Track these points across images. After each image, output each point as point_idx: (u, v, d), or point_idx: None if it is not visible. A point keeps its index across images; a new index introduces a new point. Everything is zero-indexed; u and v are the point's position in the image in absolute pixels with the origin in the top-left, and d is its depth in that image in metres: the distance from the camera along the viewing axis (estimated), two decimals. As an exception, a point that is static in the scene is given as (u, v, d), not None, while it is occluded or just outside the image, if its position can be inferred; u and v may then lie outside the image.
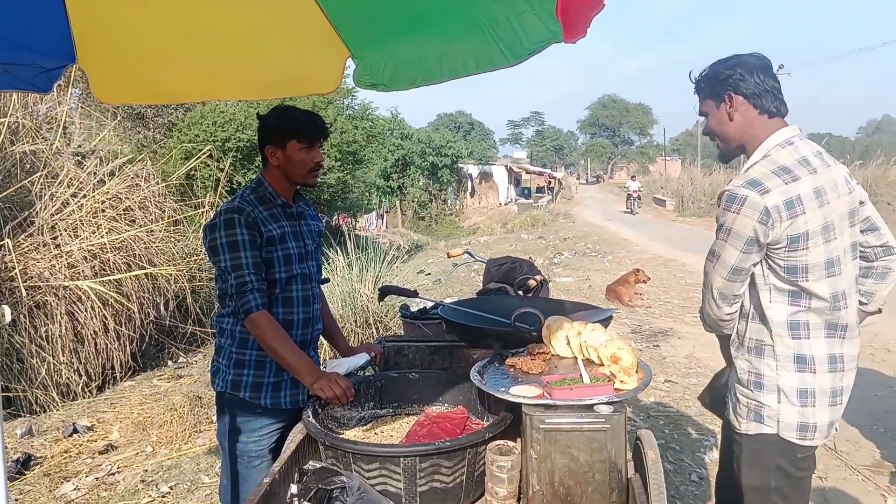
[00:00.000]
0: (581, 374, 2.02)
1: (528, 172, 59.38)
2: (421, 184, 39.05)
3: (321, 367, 2.47)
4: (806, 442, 2.10)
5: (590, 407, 1.84)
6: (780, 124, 2.16)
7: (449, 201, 42.23)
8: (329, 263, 7.40)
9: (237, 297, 2.36)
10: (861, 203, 2.22)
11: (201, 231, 2.52)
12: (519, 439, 1.98)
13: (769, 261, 2.09)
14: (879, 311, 2.37)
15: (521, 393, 1.93)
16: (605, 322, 2.49)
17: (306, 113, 2.55)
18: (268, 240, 2.46)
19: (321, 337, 2.86)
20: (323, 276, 2.96)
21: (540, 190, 56.26)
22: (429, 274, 13.22)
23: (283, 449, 2.11)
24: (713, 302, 2.20)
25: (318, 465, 1.88)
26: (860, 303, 2.29)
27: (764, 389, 2.14)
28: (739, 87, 2.14)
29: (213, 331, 7.70)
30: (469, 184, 45.76)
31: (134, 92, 2.67)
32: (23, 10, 1.96)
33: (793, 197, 2.00)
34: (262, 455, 2.52)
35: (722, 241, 2.11)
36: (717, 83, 2.19)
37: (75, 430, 5.27)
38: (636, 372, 2.06)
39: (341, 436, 2.13)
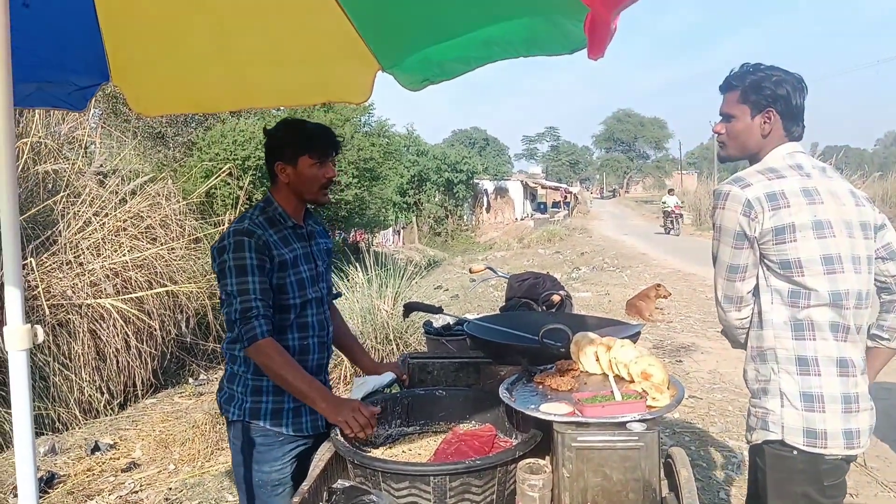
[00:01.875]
0: (612, 391, 1.99)
1: (543, 187, 59.41)
2: (437, 200, 39.18)
3: (347, 385, 2.43)
4: (816, 449, 2.02)
5: (622, 424, 1.81)
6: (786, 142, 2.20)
7: (465, 217, 42.34)
8: (348, 279, 7.42)
9: (241, 322, 2.25)
10: (882, 226, 2.19)
11: (211, 253, 2.42)
12: (548, 457, 1.95)
13: (765, 259, 2.10)
14: None
15: (552, 410, 1.91)
16: (634, 338, 2.46)
17: (317, 126, 2.45)
18: (280, 264, 2.36)
19: (344, 355, 2.83)
20: (335, 292, 2.91)
21: (556, 205, 56.22)
22: (447, 290, 13.22)
23: (312, 468, 2.09)
24: (720, 307, 2.26)
25: (347, 484, 1.86)
26: (881, 337, 2.25)
27: (768, 395, 2.11)
28: (782, 108, 2.15)
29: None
30: (485, 199, 45.87)
31: (171, 103, 2.68)
32: (57, 30, 1.99)
33: (775, 191, 2.06)
34: (285, 482, 2.43)
35: (716, 242, 2.19)
36: (761, 94, 2.16)
37: (98, 448, 5.28)
38: (668, 388, 2.03)
39: (370, 454, 2.11)
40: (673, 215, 28.35)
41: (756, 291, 2.16)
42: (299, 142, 2.38)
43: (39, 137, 7.20)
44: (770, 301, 2.11)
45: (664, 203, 30.05)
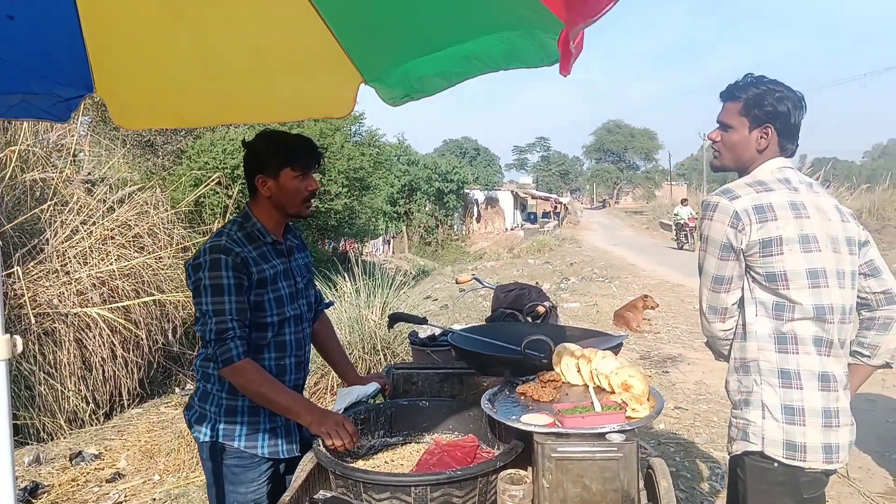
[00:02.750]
0: (592, 402, 2.01)
1: (533, 198, 59.59)
2: (427, 209, 39.19)
3: (334, 396, 2.40)
4: (795, 462, 2.05)
5: (602, 435, 1.83)
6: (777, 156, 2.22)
7: (455, 227, 42.38)
8: (336, 290, 7.41)
9: (216, 343, 2.19)
10: (865, 243, 2.21)
11: (185, 269, 2.32)
12: (530, 468, 1.96)
13: (751, 271, 2.11)
14: (888, 365, 2.28)
15: (532, 421, 1.92)
16: (616, 349, 2.48)
17: (299, 137, 2.39)
18: (259, 282, 2.30)
19: (331, 367, 2.82)
20: (327, 301, 2.90)
21: (546, 215, 56.32)
22: (436, 300, 13.20)
23: (294, 478, 2.10)
24: (704, 317, 2.25)
25: (328, 495, 1.87)
26: (861, 354, 2.26)
27: (750, 406, 2.13)
28: (781, 125, 2.16)
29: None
30: (475, 209, 45.97)
31: (153, 117, 2.67)
32: (41, 41, 1.99)
33: (763, 203, 2.07)
34: (260, 501, 2.40)
35: (703, 252, 2.19)
36: (763, 109, 2.16)
37: (83, 458, 5.25)
38: (648, 400, 2.04)
39: (352, 465, 2.11)
40: (686, 229, 24.85)
41: (741, 303, 2.17)
42: (281, 154, 2.32)
43: (28, 146, 7.18)
44: (755, 313, 2.12)
45: (676, 215, 26.28)
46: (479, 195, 46.99)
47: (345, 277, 7.47)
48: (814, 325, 2.06)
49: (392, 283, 7.65)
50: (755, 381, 2.12)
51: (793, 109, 2.16)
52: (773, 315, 2.09)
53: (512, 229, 45.54)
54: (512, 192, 52.27)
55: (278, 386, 2.27)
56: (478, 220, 46.45)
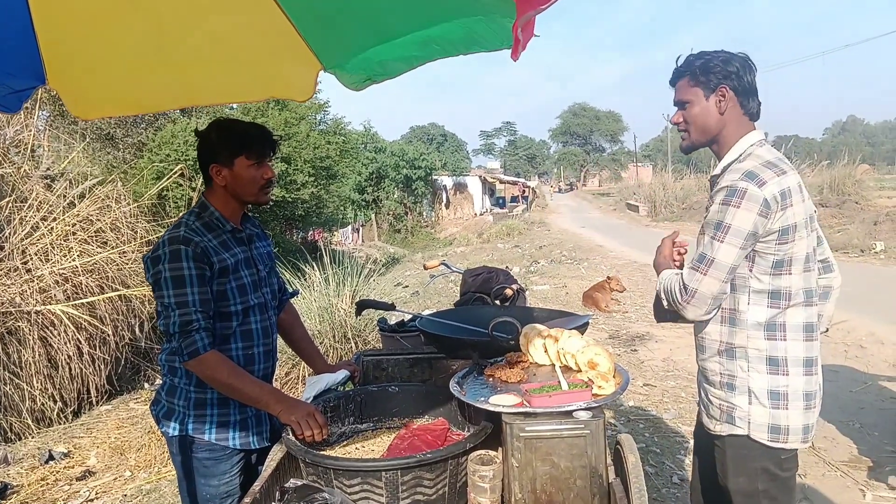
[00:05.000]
0: (559, 381, 2.03)
1: (501, 182, 59.76)
2: (396, 196, 39.12)
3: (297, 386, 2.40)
4: (778, 444, 2.10)
5: (569, 413, 1.85)
6: (752, 127, 2.21)
7: (424, 213, 42.37)
8: (305, 279, 7.37)
9: (181, 336, 2.15)
10: (814, 214, 2.24)
11: (143, 262, 2.27)
12: (500, 448, 1.98)
13: (757, 257, 2.08)
14: (826, 331, 2.36)
15: (500, 402, 1.93)
16: (582, 328, 2.50)
17: (253, 125, 2.36)
18: (220, 271, 2.26)
19: (300, 357, 2.80)
20: (291, 290, 2.89)
21: (514, 199, 56.54)
22: (406, 286, 13.20)
23: (264, 468, 2.09)
24: (704, 305, 2.10)
25: (299, 483, 1.87)
26: None
27: (735, 391, 2.15)
28: (734, 83, 2.15)
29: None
30: (444, 195, 45.96)
31: (111, 105, 2.61)
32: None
33: (784, 189, 2.04)
34: (234, 493, 2.38)
35: (718, 242, 2.05)
36: (711, 73, 2.15)
37: (52, 457, 5.18)
38: (613, 377, 2.07)
39: (322, 452, 2.11)
40: None
41: (731, 288, 2.14)
42: (234, 143, 2.28)
43: (-17, 142, 7.02)
44: (747, 301, 2.12)
45: None
46: (447, 181, 47.00)
47: (314, 267, 7.43)
48: (804, 311, 2.10)
49: (361, 272, 7.63)
50: (741, 367, 2.14)
51: (741, 67, 2.15)
52: (767, 304, 2.10)
53: (481, 214, 45.64)
54: (480, 177, 52.32)
55: (246, 376, 2.25)
56: (447, 206, 46.47)
